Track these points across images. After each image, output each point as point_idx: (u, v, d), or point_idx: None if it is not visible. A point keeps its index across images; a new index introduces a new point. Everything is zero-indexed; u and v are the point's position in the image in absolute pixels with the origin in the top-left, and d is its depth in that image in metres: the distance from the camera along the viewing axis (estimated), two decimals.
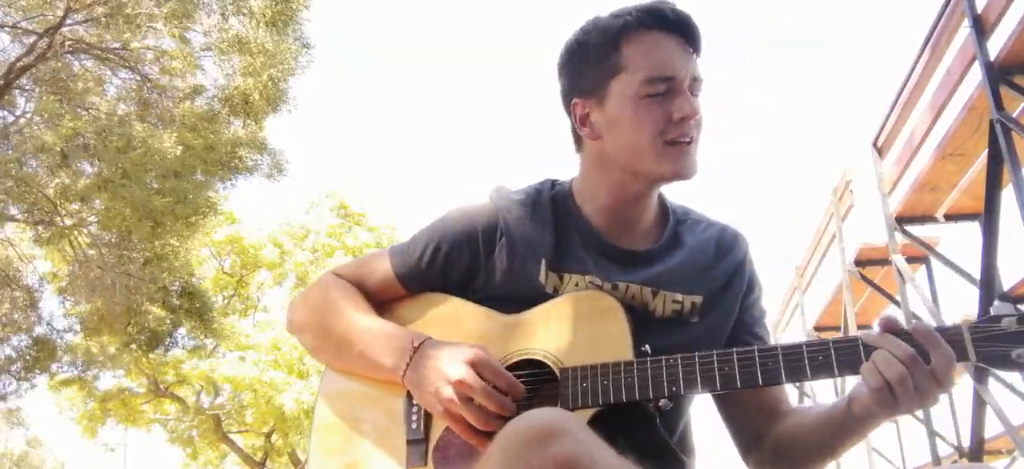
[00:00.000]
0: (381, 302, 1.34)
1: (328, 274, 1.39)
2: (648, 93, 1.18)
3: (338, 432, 1.27)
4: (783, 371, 1.07)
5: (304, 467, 15.21)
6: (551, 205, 1.31)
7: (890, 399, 1.01)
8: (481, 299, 1.28)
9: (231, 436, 15.47)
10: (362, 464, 1.22)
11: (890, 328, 1.03)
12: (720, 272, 1.30)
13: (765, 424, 1.27)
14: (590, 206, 1.30)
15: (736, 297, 1.30)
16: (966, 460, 4.72)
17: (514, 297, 1.25)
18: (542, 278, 1.25)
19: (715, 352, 1.10)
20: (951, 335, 1.02)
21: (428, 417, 1.20)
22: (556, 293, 1.24)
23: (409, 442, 1.19)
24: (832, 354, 1.05)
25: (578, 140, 1.31)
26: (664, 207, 1.35)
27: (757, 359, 1.07)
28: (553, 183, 1.35)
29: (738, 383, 1.07)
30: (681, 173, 1.21)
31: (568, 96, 1.29)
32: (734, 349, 1.10)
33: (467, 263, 1.29)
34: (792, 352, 1.07)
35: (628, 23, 1.20)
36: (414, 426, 1.20)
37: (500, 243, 1.28)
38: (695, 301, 1.26)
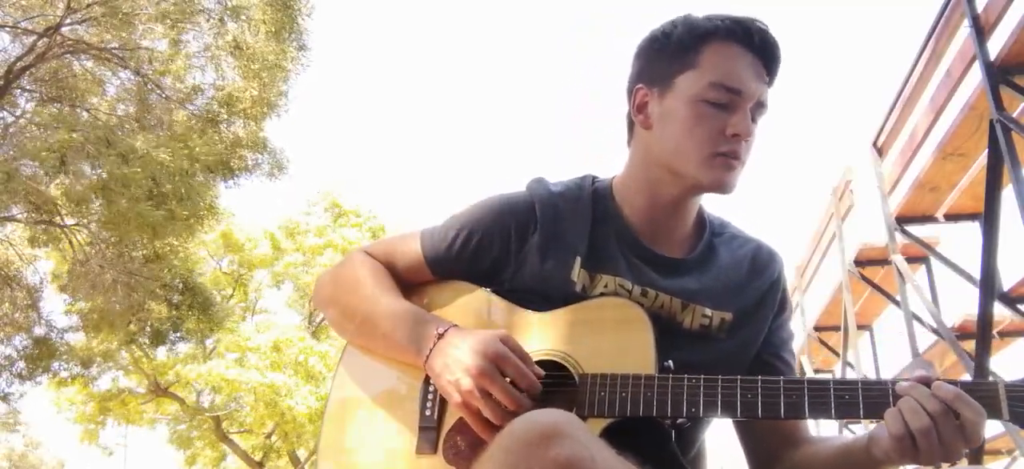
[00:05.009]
0: (408, 285, 1.33)
1: (358, 252, 1.39)
2: (710, 98, 1.18)
3: (353, 409, 1.27)
4: (807, 406, 1.04)
5: (304, 467, 15.21)
6: (591, 201, 1.29)
7: (911, 449, 0.98)
8: (508, 291, 1.27)
9: (231, 436, 15.47)
10: (372, 443, 1.22)
11: (924, 381, 1.00)
12: (753, 290, 1.28)
13: (781, 449, 1.25)
14: (628, 207, 1.29)
15: (766, 318, 1.29)
16: (966, 460, 4.71)
17: (542, 291, 1.24)
18: (574, 275, 1.24)
19: (739, 378, 1.07)
20: (986, 390, 0.99)
21: (442, 404, 1.19)
22: (585, 292, 1.23)
23: (421, 428, 1.19)
24: (859, 395, 1.02)
25: (631, 130, 1.30)
26: (701, 218, 1.34)
27: (782, 391, 1.05)
28: (594, 179, 1.34)
29: (759, 412, 1.05)
30: (720, 186, 1.20)
31: (634, 80, 1.28)
32: (759, 377, 1.07)
33: (497, 254, 1.28)
34: (818, 388, 1.04)
35: (718, 29, 1.20)
36: (428, 412, 1.19)
37: (533, 237, 1.26)
38: (725, 317, 1.24)
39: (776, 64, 1.22)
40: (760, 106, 1.21)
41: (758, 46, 1.20)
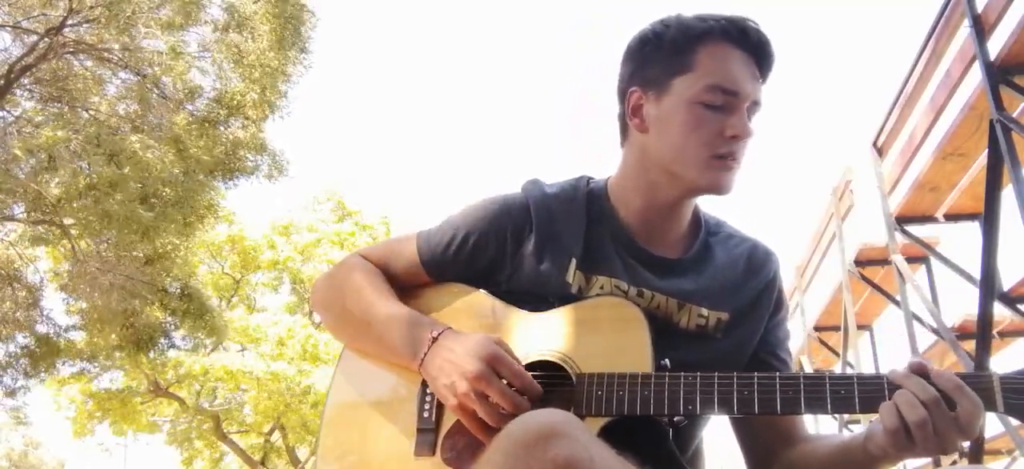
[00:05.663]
0: (405, 287, 1.33)
1: (354, 255, 1.39)
2: (707, 101, 1.17)
3: (351, 412, 1.27)
4: (803, 401, 1.04)
5: (303, 466, 15.23)
6: (585, 202, 1.29)
7: (906, 442, 0.98)
8: (504, 293, 1.26)
9: (231, 436, 15.49)
10: (371, 445, 1.22)
11: (919, 371, 1.00)
12: (749, 290, 1.28)
13: (779, 447, 1.25)
14: (624, 208, 1.28)
15: (762, 317, 1.29)
16: (966, 460, 4.72)
17: (538, 293, 1.23)
18: (569, 276, 1.24)
19: (735, 374, 1.07)
20: (982, 382, 0.99)
21: (440, 407, 1.19)
22: (581, 293, 1.23)
23: (419, 430, 1.19)
24: (855, 389, 1.02)
25: (624, 131, 1.29)
26: (697, 218, 1.34)
27: (778, 386, 1.05)
28: (589, 180, 1.34)
29: (755, 408, 1.05)
30: (718, 188, 1.20)
31: (627, 82, 1.27)
32: (755, 374, 1.07)
33: (493, 255, 1.28)
34: (814, 383, 1.04)
35: (711, 29, 1.19)
36: (426, 415, 1.19)
37: (529, 238, 1.26)
38: (721, 317, 1.24)
39: (769, 62, 1.21)
40: (756, 105, 1.20)
41: (752, 45, 1.19)
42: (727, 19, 1.19)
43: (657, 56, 1.23)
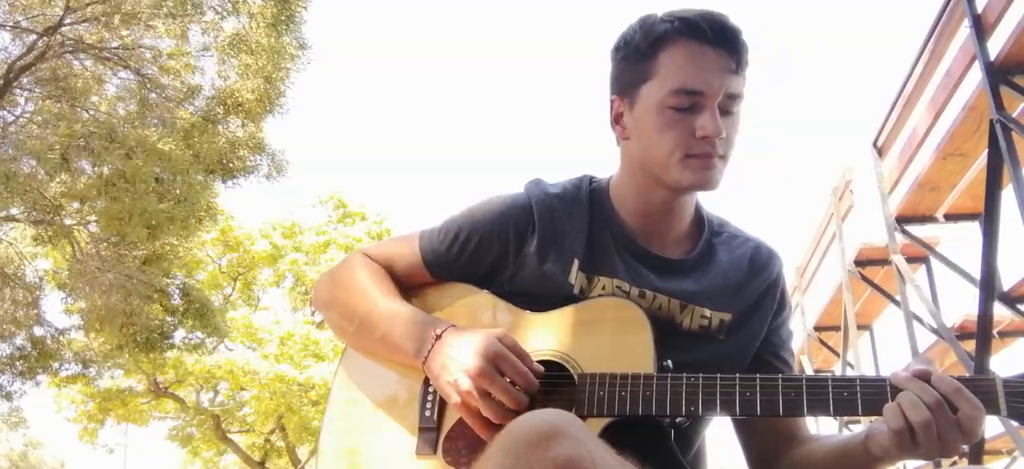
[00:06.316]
0: (407, 286, 1.33)
1: (357, 253, 1.39)
2: (673, 105, 1.16)
3: (352, 410, 1.27)
4: (805, 404, 1.04)
5: (304, 467, 15.23)
6: (588, 203, 1.29)
7: (910, 443, 0.98)
8: (507, 293, 1.27)
9: (231, 435, 15.49)
10: (373, 444, 1.23)
11: (921, 376, 1.00)
12: (752, 291, 1.28)
13: (780, 448, 1.26)
14: (624, 208, 1.29)
15: (765, 318, 1.29)
16: (966, 460, 4.72)
17: (541, 294, 1.24)
18: (572, 278, 1.24)
19: (738, 376, 1.07)
20: (984, 385, 0.99)
21: (442, 405, 1.19)
22: (583, 294, 1.23)
23: (421, 428, 1.19)
24: (858, 392, 1.02)
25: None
26: (700, 218, 1.33)
27: (780, 388, 1.05)
28: (591, 179, 1.34)
29: (758, 410, 1.05)
30: (700, 184, 1.19)
31: (609, 90, 1.28)
32: (758, 375, 1.07)
33: (496, 256, 1.28)
34: (816, 386, 1.04)
35: (668, 30, 1.17)
36: (428, 413, 1.20)
37: (532, 239, 1.26)
38: (724, 318, 1.24)
39: (740, 50, 1.17)
40: (732, 98, 1.18)
41: (715, 39, 1.16)
42: (683, 18, 1.17)
43: (628, 63, 1.23)
